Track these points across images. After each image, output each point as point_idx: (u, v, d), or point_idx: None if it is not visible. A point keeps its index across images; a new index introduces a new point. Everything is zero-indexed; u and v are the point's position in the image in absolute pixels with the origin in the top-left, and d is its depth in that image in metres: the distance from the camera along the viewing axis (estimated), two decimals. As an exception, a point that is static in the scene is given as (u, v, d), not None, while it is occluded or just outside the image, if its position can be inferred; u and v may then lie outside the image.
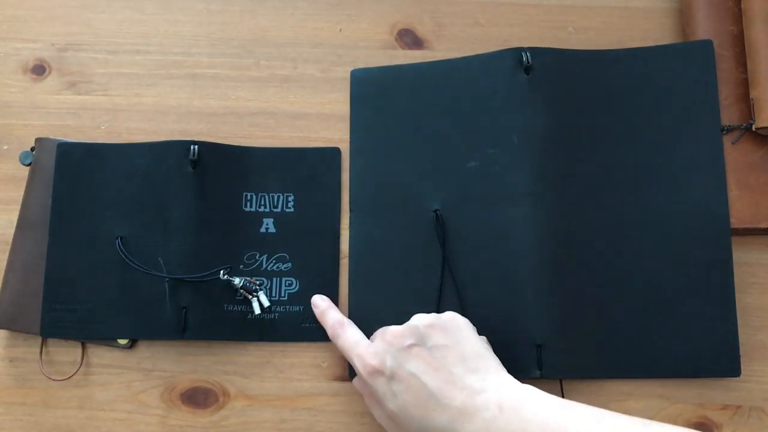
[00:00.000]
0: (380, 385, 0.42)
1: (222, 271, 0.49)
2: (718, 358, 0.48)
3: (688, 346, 0.48)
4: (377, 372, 0.42)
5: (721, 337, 0.48)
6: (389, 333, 0.43)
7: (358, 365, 0.43)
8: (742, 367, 0.48)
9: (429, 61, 0.54)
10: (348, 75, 0.55)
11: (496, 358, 0.43)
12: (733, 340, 0.48)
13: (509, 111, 0.51)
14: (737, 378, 0.48)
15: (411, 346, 0.42)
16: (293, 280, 0.51)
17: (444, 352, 0.42)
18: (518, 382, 0.41)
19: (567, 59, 0.52)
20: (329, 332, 0.47)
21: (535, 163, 0.50)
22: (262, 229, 0.52)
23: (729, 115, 0.51)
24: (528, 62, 0.51)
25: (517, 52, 0.52)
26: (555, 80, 0.52)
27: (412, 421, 0.41)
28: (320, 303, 0.49)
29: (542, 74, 0.51)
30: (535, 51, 0.51)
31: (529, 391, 0.40)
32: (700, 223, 0.49)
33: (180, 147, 0.51)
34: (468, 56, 0.54)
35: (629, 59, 0.53)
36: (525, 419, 0.38)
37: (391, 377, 0.42)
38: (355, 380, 0.48)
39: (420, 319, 0.44)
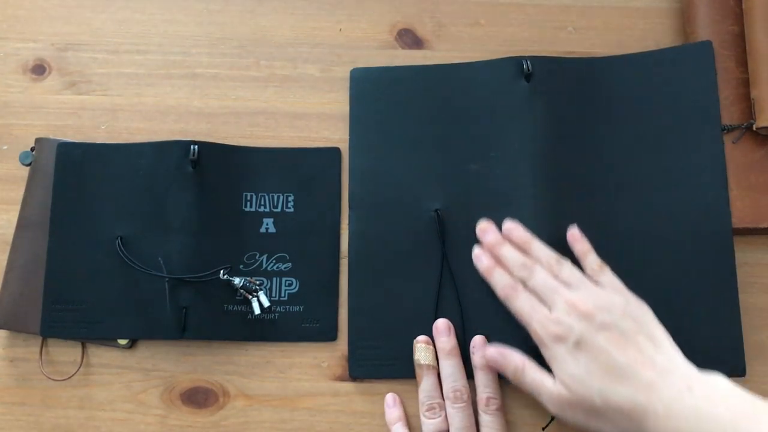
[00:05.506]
0: (560, 350, 0.42)
1: (222, 271, 0.49)
2: (723, 359, 0.48)
3: (692, 346, 0.47)
4: (560, 339, 0.42)
5: (725, 337, 0.48)
6: (580, 309, 0.43)
7: (538, 330, 0.44)
8: (743, 367, 0.48)
9: (429, 64, 0.54)
10: (348, 75, 0.55)
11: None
12: (737, 341, 0.48)
13: (510, 117, 0.51)
14: (737, 378, 0.48)
15: (602, 325, 0.42)
16: (293, 280, 0.51)
17: (635, 334, 0.42)
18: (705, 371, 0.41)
19: (567, 67, 0.52)
20: (501, 294, 0.47)
21: (536, 167, 0.50)
22: (262, 229, 0.52)
23: (729, 115, 0.51)
24: (529, 70, 0.51)
25: (518, 60, 0.52)
26: (555, 87, 0.52)
27: (590, 389, 0.41)
28: (481, 257, 0.49)
29: (543, 81, 0.51)
30: (535, 59, 0.52)
31: (719, 380, 0.40)
32: (702, 224, 0.49)
33: (180, 147, 0.51)
34: (469, 62, 0.54)
35: (629, 64, 0.53)
36: (714, 403, 0.37)
37: (577, 345, 0.42)
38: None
39: (610, 302, 0.43)
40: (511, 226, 0.49)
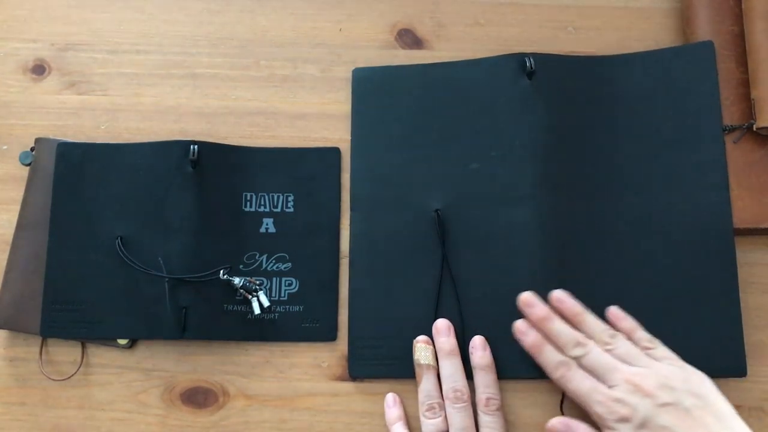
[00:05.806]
0: (624, 430, 0.41)
1: (222, 271, 0.49)
2: (724, 359, 0.48)
3: (693, 346, 0.48)
4: (624, 419, 0.41)
5: (726, 337, 0.48)
6: (642, 387, 0.42)
7: (600, 411, 0.42)
8: (743, 367, 0.48)
9: (432, 63, 0.54)
10: (348, 75, 0.55)
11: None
12: (738, 341, 0.48)
13: (512, 115, 0.51)
14: (737, 378, 0.48)
15: (665, 404, 0.41)
16: (293, 280, 0.51)
17: (700, 411, 0.41)
18: None
19: (569, 65, 0.52)
20: (554, 374, 0.45)
21: (537, 166, 0.50)
22: (262, 229, 0.52)
23: (730, 115, 0.51)
24: (531, 68, 0.51)
25: (521, 57, 0.52)
26: (557, 85, 0.52)
27: None
28: (526, 332, 0.46)
29: (545, 79, 0.51)
30: (538, 57, 0.51)
31: None
32: (703, 224, 0.49)
33: (180, 147, 0.51)
34: (471, 59, 0.54)
35: (631, 63, 0.53)
36: None
37: (641, 425, 0.41)
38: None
39: (671, 378, 0.42)
40: (561, 297, 0.46)
